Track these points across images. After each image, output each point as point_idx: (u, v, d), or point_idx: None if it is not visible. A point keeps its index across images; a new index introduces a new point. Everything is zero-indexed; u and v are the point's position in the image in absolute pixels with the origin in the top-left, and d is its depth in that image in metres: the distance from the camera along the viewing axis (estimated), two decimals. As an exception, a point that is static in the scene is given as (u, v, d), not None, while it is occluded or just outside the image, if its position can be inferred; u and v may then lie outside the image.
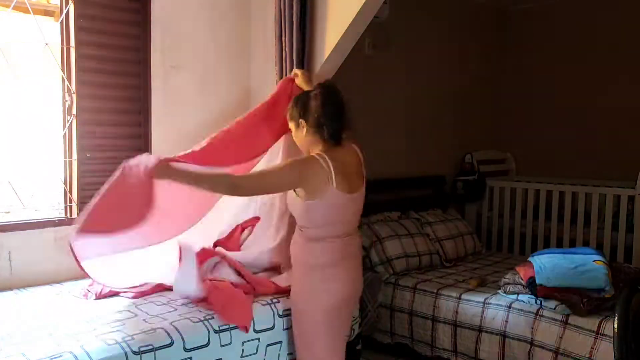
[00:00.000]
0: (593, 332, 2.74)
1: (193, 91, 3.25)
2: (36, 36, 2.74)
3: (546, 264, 2.96)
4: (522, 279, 3.02)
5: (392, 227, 3.78)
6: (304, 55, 3.09)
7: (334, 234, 2.26)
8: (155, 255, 2.56)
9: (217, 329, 2.17)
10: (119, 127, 3.00)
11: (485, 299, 3.13)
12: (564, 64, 5.10)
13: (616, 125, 4.84)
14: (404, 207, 4.20)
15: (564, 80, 5.11)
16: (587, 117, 4.99)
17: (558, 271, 2.89)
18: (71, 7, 2.77)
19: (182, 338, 2.07)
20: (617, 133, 4.82)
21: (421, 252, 3.75)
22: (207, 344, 2.13)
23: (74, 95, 2.81)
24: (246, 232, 2.87)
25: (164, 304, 2.37)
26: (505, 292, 3.11)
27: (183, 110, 3.21)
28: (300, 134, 2.30)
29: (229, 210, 2.85)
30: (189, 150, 2.40)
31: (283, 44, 3.13)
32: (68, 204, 2.87)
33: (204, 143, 2.48)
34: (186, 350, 2.07)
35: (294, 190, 2.21)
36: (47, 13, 3.01)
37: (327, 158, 2.15)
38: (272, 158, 2.77)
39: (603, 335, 2.70)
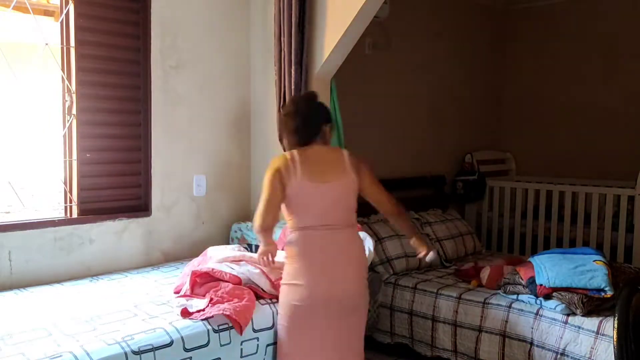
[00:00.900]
0: (593, 332, 2.74)
1: (193, 91, 3.25)
2: (36, 36, 2.74)
3: (546, 264, 2.96)
4: (522, 279, 3.02)
5: (392, 227, 3.77)
6: (302, 55, 3.09)
7: (306, 224, 2.29)
8: None
9: (216, 328, 2.17)
10: (119, 127, 3.00)
11: (485, 299, 3.13)
12: (564, 63, 5.10)
13: (616, 125, 4.84)
14: (404, 207, 4.19)
15: (564, 80, 5.12)
16: (587, 117, 4.99)
17: (558, 271, 2.89)
18: (71, 7, 2.78)
19: (182, 338, 2.07)
20: (617, 133, 4.82)
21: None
22: (207, 344, 2.13)
23: (74, 95, 2.81)
24: None
25: (164, 303, 2.37)
26: (505, 292, 3.10)
27: (183, 110, 3.21)
28: (287, 142, 2.46)
29: None
30: None
31: (282, 44, 3.13)
32: (68, 204, 2.87)
33: None
34: (186, 350, 2.07)
35: None
36: (47, 13, 3.02)
37: (294, 152, 2.31)
38: None
39: (603, 335, 2.70)
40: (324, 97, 3.32)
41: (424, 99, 4.69)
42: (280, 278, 2.38)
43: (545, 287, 2.89)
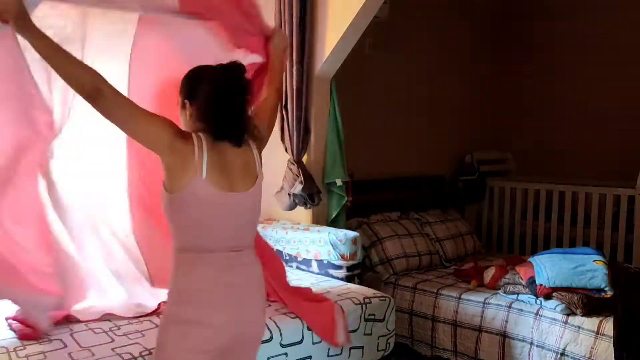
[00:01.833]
0: (593, 332, 2.74)
1: (193, 91, 3.24)
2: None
3: (546, 264, 2.97)
4: (522, 279, 3.02)
5: (392, 227, 3.78)
6: (303, 55, 3.09)
7: (205, 245, 1.67)
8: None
9: (309, 326, 2.28)
10: (119, 127, 2.99)
11: (485, 299, 3.13)
12: (564, 63, 5.10)
13: (616, 125, 4.83)
14: (404, 207, 4.20)
15: (564, 80, 5.11)
16: (587, 117, 4.99)
17: (558, 271, 2.89)
18: (71, 7, 2.77)
19: (280, 333, 2.15)
20: (617, 133, 4.82)
21: (421, 252, 3.75)
22: (301, 341, 2.23)
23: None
24: None
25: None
26: (505, 292, 3.11)
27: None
28: (183, 116, 1.80)
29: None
30: None
31: (283, 44, 3.13)
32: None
33: None
34: (282, 346, 2.14)
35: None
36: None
37: (203, 140, 1.66)
38: None
39: (603, 335, 2.70)
40: (324, 97, 3.33)
41: (424, 99, 4.68)
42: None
43: (545, 287, 2.89)
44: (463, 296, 3.22)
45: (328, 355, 2.35)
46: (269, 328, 2.14)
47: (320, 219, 3.35)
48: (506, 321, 3.01)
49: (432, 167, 4.78)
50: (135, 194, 2.36)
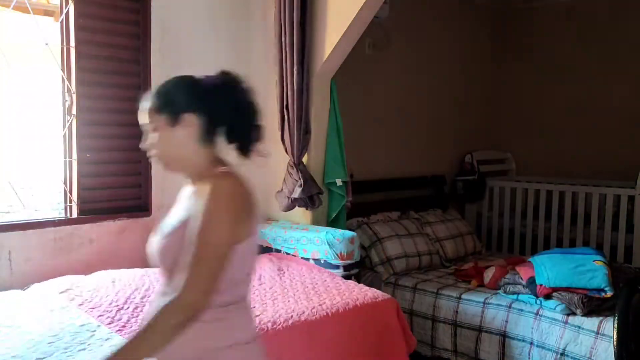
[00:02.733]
0: (593, 332, 2.74)
1: (193, 91, 3.24)
2: (36, 36, 2.74)
3: (546, 264, 2.97)
4: (522, 279, 3.02)
5: (392, 227, 3.77)
6: (304, 55, 3.09)
7: (245, 294, 1.47)
8: None
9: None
10: (118, 127, 2.99)
11: (485, 299, 3.13)
12: (564, 63, 5.10)
13: (616, 125, 4.83)
14: (404, 207, 4.20)
15: (563, 80, 5.11)
16: (587, 117, 4.99)
17: (558, 271, 2.89)
18: (71, 6, 2.77)
19: None
20: (617, 133, 4.82)
21: (421, 252, 3.75)
22: None
23: (74, 95, 2.81)
24: None
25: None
26: (505, 292, 3.10)
27: (183, 110, 3.21)
28: (175, 136, 1.44)
29: None
30: None
31: (283, 44, 3.13)
32: (68, 204, 2.87)
33: None
34: None
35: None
36: (47, 13, 3.02)
37: (239, 175, 1.43)
38: None
39: (603, 335, 2.70)
40: (324, 97, 3.33)
41: (423, 99, 4.68)
42: None
43: (545, 287, 2.89)
44: (463, 296, 3.22)
45: None
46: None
47: (320, 219, 3.35)
48: (506, 321, 3.01)
49: (432, 167, 4.78)
50: None
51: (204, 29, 3.28)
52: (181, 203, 1.51)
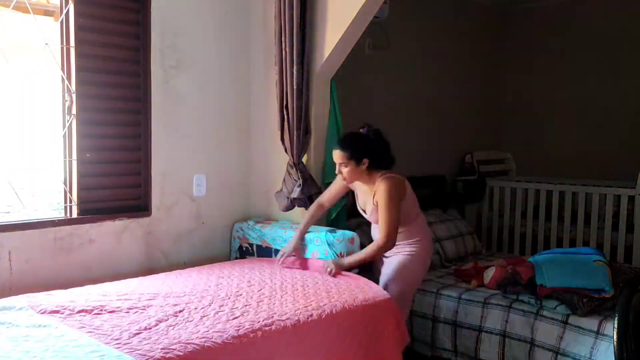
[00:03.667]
0: (593, 332, 2.74)
1: (193, 91, 3.25)
2: (36, 36, 2.74)
3: (546, 264, 2.97)
4: (522, 279, 3.02)
5: (392, 227, 3.77)
6: (304, 55, 3.09)
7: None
8: None
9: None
10: (119, 127, 3.00)
11: (485, 299, 3.13)
12: (564, 63, 5.10)
13: (616, 125, 4.84)
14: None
15: (563, 80, 5.12)
16: (587, 117, 5.00)
17: (558, 271, 2.89)
18: (71, 6, 2.77)
19: None
20: (617, 133, 4.83)
21: (421, 252, 3.74)
22: None
23: (74, 95, 2.81)
24: None
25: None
26: (505, 292, 3.10)
27: (183, 110, 3.21)
28: (359, 170, 2.83)
29: None
30: None
31: (283, 44, 3.12)
32: (68, 204, 2.87)
33: None
34: None
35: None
36: (47, 13, 3.01)
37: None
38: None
39: (603, 335, 2.70)
40: (324, 97, 3.33)
41: (423, 99, 4.68)
42: None
43: (545, 287, 2.89)
44: (463, 296, 3.22)
45: None
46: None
47: (320, 219, 3.35)
48: (506, 321, 3.01)
49: (432, 167, 4.79)
50: None
51: (204, 29, 3.28)
52: (364, 194, 2.95)
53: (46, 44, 2.77)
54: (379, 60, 4.27)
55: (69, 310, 2.22)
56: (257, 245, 3.30)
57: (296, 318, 2.19)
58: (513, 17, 5.44)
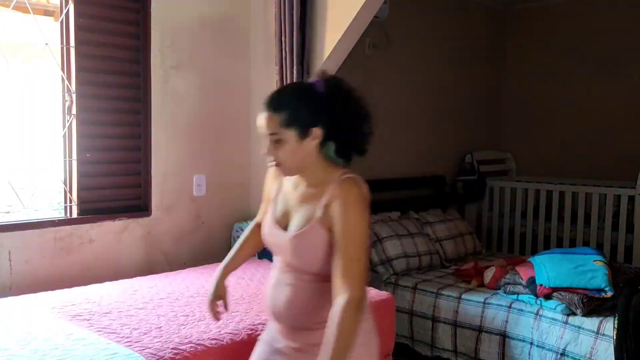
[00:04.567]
0: (593, 332, 2.74)
1: (193, 91, 3.25)
2: (36, 36, 2.74)
3: (546, 264, 2.97)
4: (522, 279, 3.02)
5: (392, 227, 3.77)
6: (304, 55, 3.09)
7: None
8: None
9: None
10: (119, 127, 3.00)
11: (485, 299, 3.13)
12: (564, 63, 5.10)
13: (616, 125, 4.84)
14: (404, 207, 4.20)
15: (564, 80, 5.11)
16: (587, 117, 4.99)
17: (558, 271, 2.89)
18: (71, 6, 2.77)
19: None
20: (616, 133, 4.82)
21: (421, 252, 3.75)
22: None
23: (74, 95, 2.81)
24: None
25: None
26: (505, 292, 3.10)
27: (183, 110, 3.21)
28: (304, 148, 1.54)
29: None
30: None
31: (283, 44, 3.13)
32: (68, 204, 2.87)
33: None
34: None
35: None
36: (47, 13, 3.02)
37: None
38: None
39: (603, 335, 2.70)
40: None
41: (423, 99, 4.68)
42: None
43: (545, 287, 2.89)
44: (463, 296, 3.22)
45: None
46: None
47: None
48: (506, 321, 3.01)
49: (432, 167, 4.78)
50: None
51: (204, 28, 3.28)
52: (298, 198, 1.61)
53: (46, 44, 2.77)
54: (379, 60, 4.26)
55: (75, 309, 2.23)
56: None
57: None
58: (513, 17, 5.44)
